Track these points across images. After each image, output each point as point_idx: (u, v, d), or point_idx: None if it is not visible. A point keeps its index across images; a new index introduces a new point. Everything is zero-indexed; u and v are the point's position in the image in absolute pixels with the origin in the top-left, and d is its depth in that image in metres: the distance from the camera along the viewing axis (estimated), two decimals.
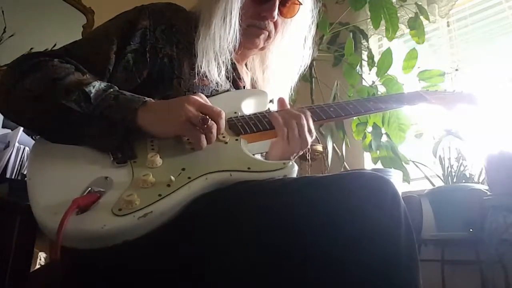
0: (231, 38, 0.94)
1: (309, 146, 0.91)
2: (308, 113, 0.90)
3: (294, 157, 0.90)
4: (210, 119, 0.76)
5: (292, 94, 1.13)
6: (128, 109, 0.77)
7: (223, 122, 0.79)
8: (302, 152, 0.92)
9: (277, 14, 0.99)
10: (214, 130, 0.77)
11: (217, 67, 0.94)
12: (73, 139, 0.78)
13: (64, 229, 0.60)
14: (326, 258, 0.57)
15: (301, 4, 1.02)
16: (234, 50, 0.96)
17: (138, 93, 0.82)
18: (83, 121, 0.76)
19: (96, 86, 0.79)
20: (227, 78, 0.98)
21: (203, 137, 0.77)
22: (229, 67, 0.97)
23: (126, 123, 0.76)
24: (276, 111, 0.92)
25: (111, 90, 0.80)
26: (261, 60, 1.13)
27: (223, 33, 0.93)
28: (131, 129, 0.77)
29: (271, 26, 1.01)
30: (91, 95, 0.77)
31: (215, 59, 0.93)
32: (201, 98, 0.80)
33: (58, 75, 0.79)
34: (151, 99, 0.81)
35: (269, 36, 1.02)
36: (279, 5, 0.99)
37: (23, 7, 2.18)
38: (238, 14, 0.94)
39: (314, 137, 0.90)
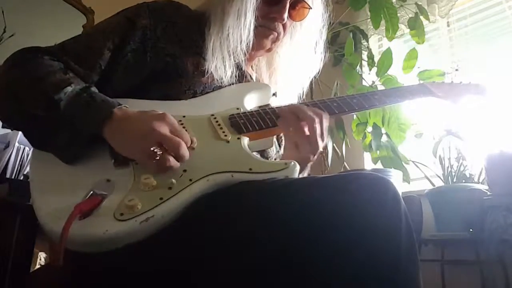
0: (245, 38, 0.93)
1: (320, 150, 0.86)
2: (325, 116, 0.86)
3: (308, 163, 0.87)
4: (163, 154, 0.70)
5: (304, 99, 1.11)
6: (95, 120, 0.74)
7: (183, 153, 0.71)
8: (315, 158, 0.87)
9: (287, 16, 0.98)
10: (169, 163, 0.70)
11: (225, 67, 0.93)
12: (41, 145, 0.76)
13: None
14: (326, 258, 0.57)
15: (311, 8, 1.02)
16: (247, 51, 0.95)
17: (140, 91, 0.81)
18: (51, 128, 0.74)
19: (69, 91, 0.75)
20: (234, 77, 0.97)
21: (159, 168, 0.70)
22: (240, 67, 0.96)
23: (92, 133, 0.73)
24: (288, 108, 0.87)
25: (85, 95, 0.76)
26: (268, 63, 1.12)
27: (236, 34, 0.92)
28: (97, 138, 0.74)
29: (280, 28, 1.00)
30: (61, 102, 0.74)
31: (225, 59, 0.92)
32: (167, 123, 0.72)
33: (38, 74, 0.77)
34: (124, 106, 0.76)
35: (277, 38, 1.01)
36: (289, 7, 0.98)
37: (23, 7, 2.18)
38: (253, 15, 0.93)
39: (325, 143, 0.86)
